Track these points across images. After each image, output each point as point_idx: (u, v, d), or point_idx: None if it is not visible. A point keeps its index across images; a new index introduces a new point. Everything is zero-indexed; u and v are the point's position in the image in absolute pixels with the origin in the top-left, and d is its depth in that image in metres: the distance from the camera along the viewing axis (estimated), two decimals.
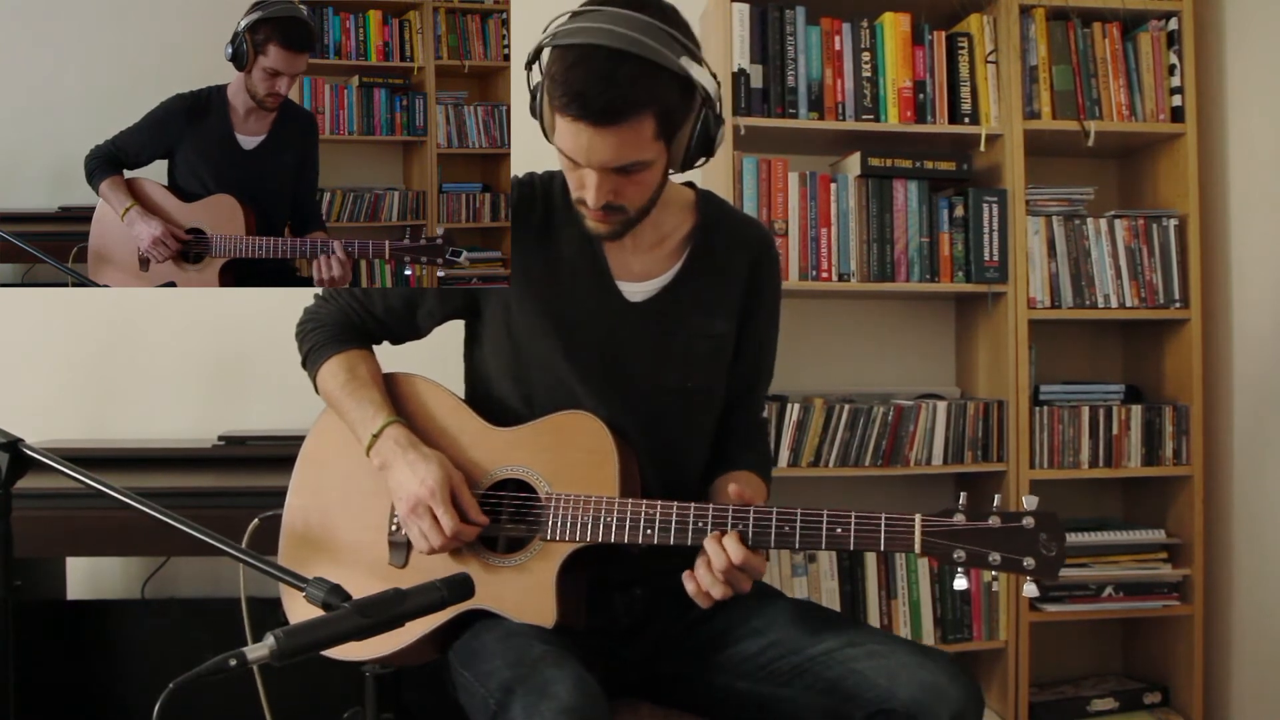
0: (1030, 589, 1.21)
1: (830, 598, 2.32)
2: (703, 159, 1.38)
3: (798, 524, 1.26)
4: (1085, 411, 2.42)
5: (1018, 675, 2.36)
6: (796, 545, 1.27)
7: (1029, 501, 1.21)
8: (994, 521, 1.20)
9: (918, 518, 1.23)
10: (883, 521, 1.23)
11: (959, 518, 1.21)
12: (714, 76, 1.31)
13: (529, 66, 1.33)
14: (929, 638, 2.35)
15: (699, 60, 1.28)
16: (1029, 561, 1.19)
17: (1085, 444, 2.42)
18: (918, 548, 1.22)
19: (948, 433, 2.38)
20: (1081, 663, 2.65)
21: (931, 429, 2.38)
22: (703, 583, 1.28)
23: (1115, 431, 2.43)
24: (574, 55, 1.22)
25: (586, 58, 1.21)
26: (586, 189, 1.30)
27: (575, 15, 1.26)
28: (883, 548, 1.24)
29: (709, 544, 1.27)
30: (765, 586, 1.50)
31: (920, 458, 2.37)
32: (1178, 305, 2.45)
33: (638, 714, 1.43)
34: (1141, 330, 2.60)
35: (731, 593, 1.29)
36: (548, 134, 1.33)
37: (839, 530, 1.25)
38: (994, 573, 1.20)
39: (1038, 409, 2.41)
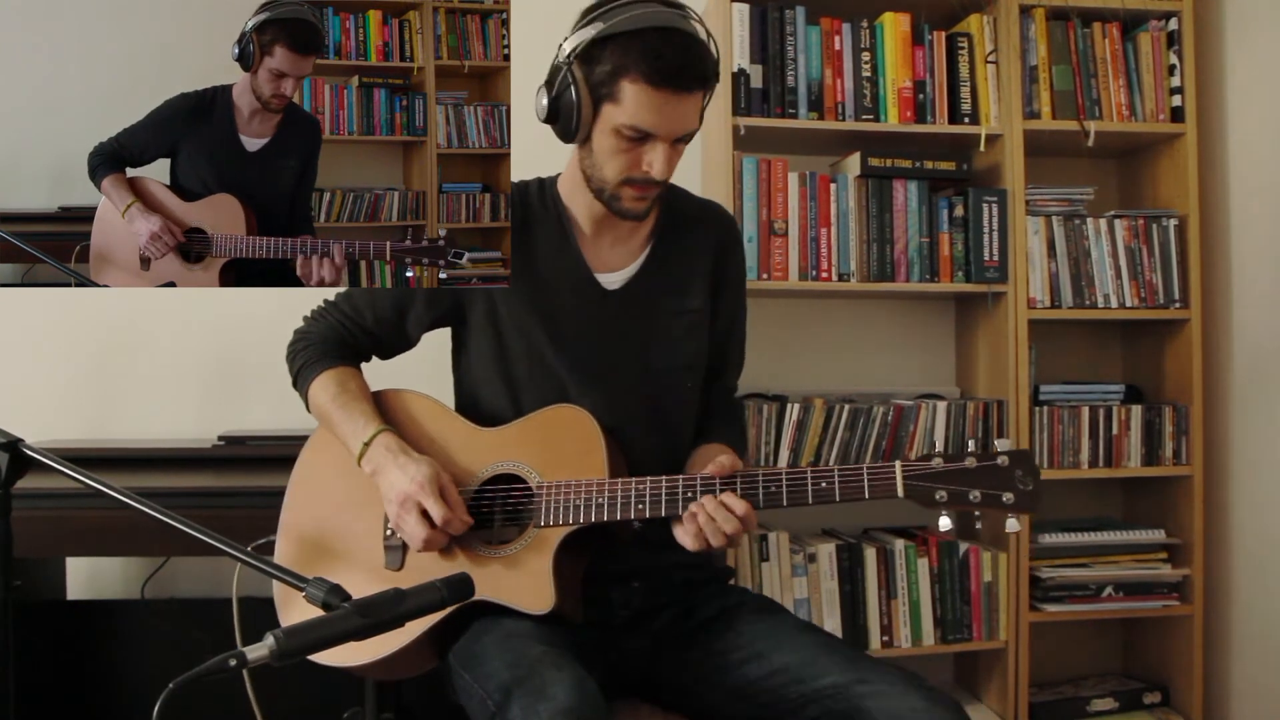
0: (1012, 524, 1.26)
1: (830, 598, 2.32)
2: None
3: (784, 483, 1.31)
4: (1085, 411, 2.42)
5: (1018, 675, 2.35)
6: (785, 502, 1.31)
7: (1001, 443, 1.27)
8: (970, 462, 1.26)
9: (898, 464, 1.28)
10: (865, 471, 1.28)
11: (937, 461, 1.26)
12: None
13: (572, 60, 1.37)
14: (929, 638, 2.35)
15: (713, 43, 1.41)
16: (1008, 496, 1.24)
17: (1085, 444, 2.42)
18: (900, 491, 1.26)
19: (948, 433, 2.38)
20: (1081, 663, 2.65)
21: (931, 429, 2.38)
22: (702, 522, 1.31)
23: (1115, 431, 2.43)
24: (657, 35, 1.33)
25: (669, 36, 1.33)
26: (653, 162, 1.38)
27: (611, 11, 1.35)
28: (867, 495, 1.28)
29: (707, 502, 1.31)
30: (767, 601, 1.53)
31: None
32: (1178, 305, 2.45)
33: (638, 715, 1.43)
34: (1141, 330, 2.60)
35: (725, 542, 1.32)
36: (577, 130, 1.39)
37: (824, 484, 1.29)
38: (977, 512, 1.25)
39: (1038, 409, 2.41)
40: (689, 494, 1.33)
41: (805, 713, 1.30)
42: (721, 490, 1.32)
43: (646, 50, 1.32)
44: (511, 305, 1.49)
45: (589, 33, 1.35)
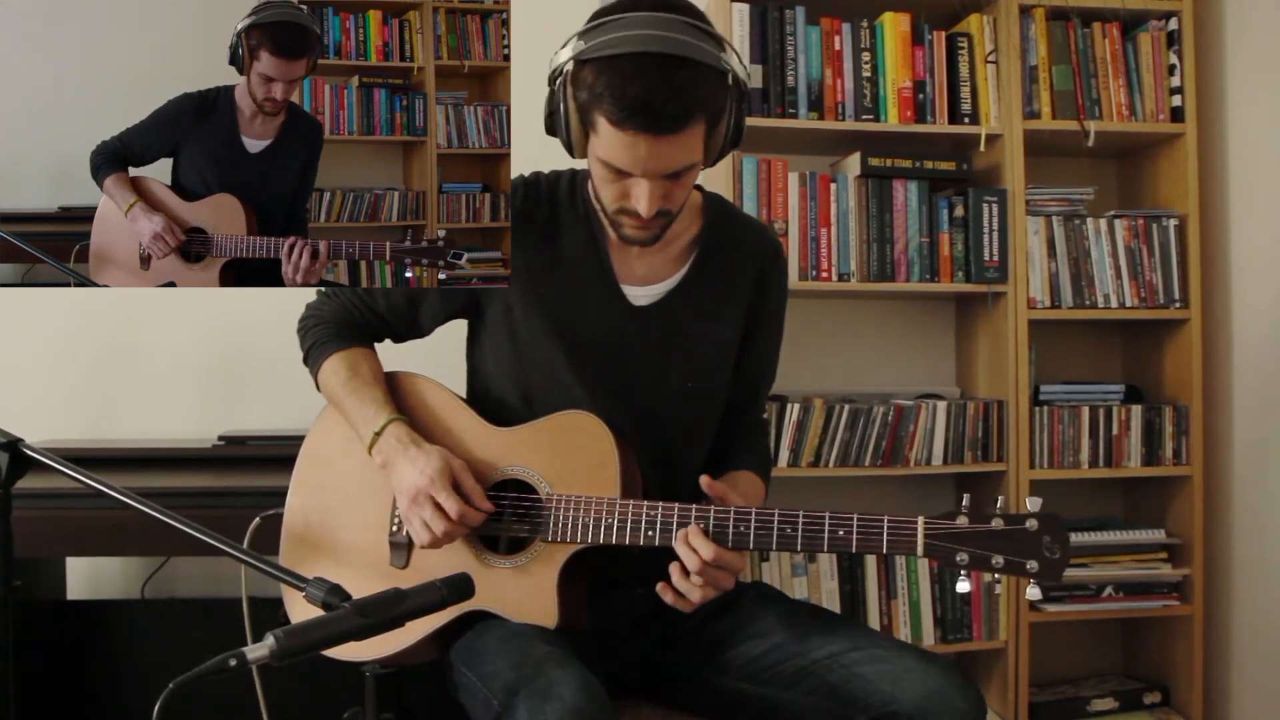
0: (1033, 592, 1.20)
1: (830, 598, 2.32)
2: (732, 150, 1.37)
3: (800, 526, 1.26)
4: (1085, 411, 2.42)
5: (1018, 675, 2.35)
6: (799, 547, 1.27)
7: (1032, 503, 1.20)
8: (997, 524, 1.19)
9: (920, 520, 1.22)
10: (885, 524, 1.23)
11: (962, 520, 1.20)
12: (743, 64, 1.30)
13: (553, 83, 1.30)
14: (929, 638, 2.35)
15: (732, 51, 1.28)
16: (1032, 564, 1.18)
17: (1085, 444, 2.42)
18: (920, 550, 1.21)
19: (948, 433, 2.38)
20: (1081, 663, 2.65)
21: (931, 429, 2.38)
22: (681, 588, 1.27)
23: (1115, 431, 2.43)
24: (627, 66, 1.20)
25: (643, 67, 1.19)
26: (638, 199, 1.29)
27: (604, 25, 1.24)
28: (885, 550, 1.23)
29: (678, 547, 1.27)
30: (767, 588, 1.51)
31: (920, 458, 2.37)
32: (1178, 305, 2.45)
33: (638, 714, 1.43)
34: (1141, 330, 2.60)
35: (714, 593, 1.28)
36: (574, 149, 1.32)
37: (841, 532, 1.24)
38: (998, 576, 1.19)
39: (1038, 409, 2.41)
40: (701, 524, 1.28)
41: (803, 684, 1.29)
42: (733, 528, 1.26)
43: (612, 86, 1.20)
44: (529, 308, 1.44)
45: (570, 51, 1.25)
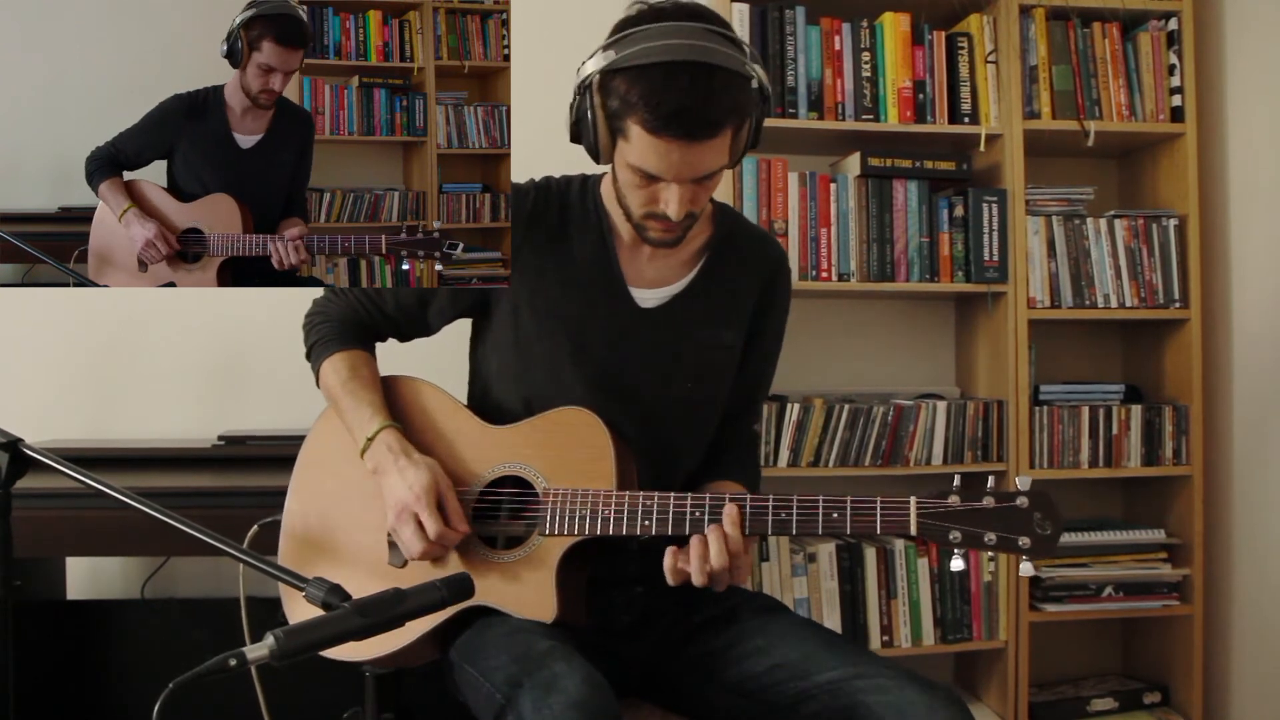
0: (1026, 568, 1.22)
1: (830, 597, 2.32)
2: (751, 150, 1.39)
3: (794, 510, 1.27)
4: (1085, 411, 2.42)
5: (1017, 675, 2.35)
6: (794, 530, 1.28)
7: (1023, 482, 1.22)
8: (989, 502, 1.22)
9: (913, 500, 1.24)
10: (878, 505, 1.25)
11: (954, 499, 1.22)
12: (763, 68, 1.33)
13: (579, 92, 1.32)
14: (929, 638, 2.35)
15: (755, 59, 1.31)
16: (1024, 541, 1.20)
17: (1085, 444, 2.42)
18: (913, 529, 1.23)
19: (948, 433, 2.38)
20: (1081, 663, 2.65)
21: (931, 429, 2.38)
22: (685, 567, 1.28)
23: (1115, 431, 2.43)
24: (661, 75, 1.22)
25: (677, 76, 1.22)
26: (668, 203, 1.32)
27: (632, 36, 1.26)
28: (879, 531, 1.25)
29: (711, 533, 1.28)
30: (767, 599, 1.51)
31: (920, 458, 2.37)
32: (1177, 305, 2.45)
33: (639, 714, 1.43)
34: (1141, 330, 2.60)
35: (706, 583, 1.29)
36: (600, 155, 1.34)
37: (835, 515, 1.26)
38: (990, 552, 1.22)
39: (1038, 409, 2.41)
40: (696, 514, 1.29)
41: (804, 708, 1.29)
42: (728, 514, 1.28)
43: (648, 94, 1.23)
44: (535, 308, 1.45)
45: (599, 62, 1.27)
